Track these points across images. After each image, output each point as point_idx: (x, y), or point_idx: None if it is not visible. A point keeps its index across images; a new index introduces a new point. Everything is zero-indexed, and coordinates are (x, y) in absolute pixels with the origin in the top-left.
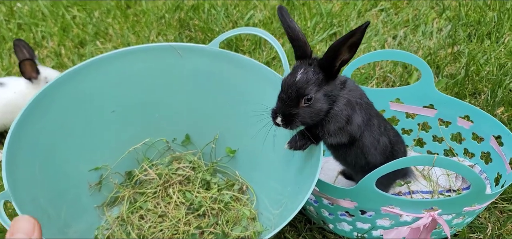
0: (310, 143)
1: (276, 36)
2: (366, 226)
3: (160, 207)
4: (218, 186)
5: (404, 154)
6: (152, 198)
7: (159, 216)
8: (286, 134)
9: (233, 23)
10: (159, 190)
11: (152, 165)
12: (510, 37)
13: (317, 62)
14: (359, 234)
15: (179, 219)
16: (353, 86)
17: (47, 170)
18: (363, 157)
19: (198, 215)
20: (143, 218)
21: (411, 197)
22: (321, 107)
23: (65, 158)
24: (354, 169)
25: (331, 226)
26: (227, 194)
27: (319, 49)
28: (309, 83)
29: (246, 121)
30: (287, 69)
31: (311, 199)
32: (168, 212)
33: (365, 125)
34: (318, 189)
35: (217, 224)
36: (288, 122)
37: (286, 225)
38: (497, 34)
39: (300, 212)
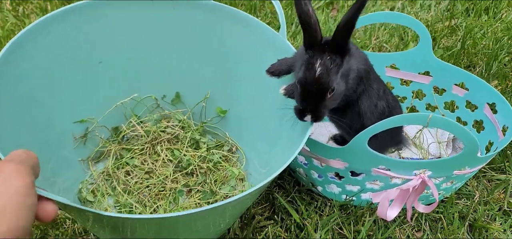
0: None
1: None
2: (356, 188)
3: (147, 164)
4: (208, 146)
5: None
6: (139, 154)
7: (146, 173)
8: (276, 98)
9: None
10: (147, 147)
11: (140, 122)
12: (507, 13)
13: (329, 45)
14: (348, 197)
15: (167, 176)
16: (357, 52)
17: (32, 117)
18: (359, 120)
19: (186, 173)
20: (129, 174)
21: None
22: (341, 90)
23: (50, 106)
24: (349, 133)
25: (320, 188)
26: (217, 153)
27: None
28: (330, 75)
29: (239, 80)
30: (284, 30)
31: (301, 161)
32: (155, 169)
33: (364, 90)
34: (309, 149)
35: (205, 183)
36: (317, 118)
37: (275, 186)
38: (495, 10)
39: (289, 174)
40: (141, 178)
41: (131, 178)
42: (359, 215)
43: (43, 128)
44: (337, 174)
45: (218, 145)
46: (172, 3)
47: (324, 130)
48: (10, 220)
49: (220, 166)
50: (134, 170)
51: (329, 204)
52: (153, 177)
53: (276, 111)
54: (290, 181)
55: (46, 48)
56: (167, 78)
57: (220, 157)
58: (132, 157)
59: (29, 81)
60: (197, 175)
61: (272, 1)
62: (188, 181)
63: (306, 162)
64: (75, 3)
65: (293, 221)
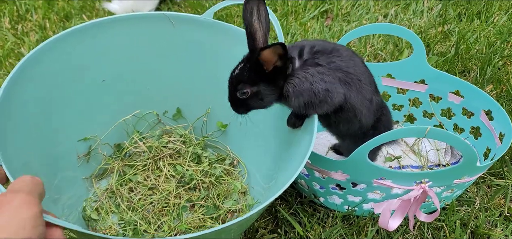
0: (302, 120)
1: None
2: (357, 199)
3: (150, 180)
4: (209, 160)
5: (388, 116)
6: (142, 171)
7: (149, 189)
8: (276, 110)
9: None
10: (149, 163)
11: (142, 138)
12: (499, 17)
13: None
14: (350, 207)
15: (170, 192)
16: (313, 51)
17: (37, 137)
18: (356, 121)
19: (189, 188)
20: (132, 191)
21: None
22: (268, 98)
23: (55, 126)
24: (349, 138)
25: (322, 199)
26: (219, 167)
27: (311, 26)
28: (241, 80)
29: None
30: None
31: (303, 172)
32: (158, 185)
33: (348, 87)
34: (310, 162)
35: (208, 197)
36: (233, 108)
37: (278, 199)
38: (487, 14)
39: (291, 185)
40: (145, 195)
41: (134, 194)
42: (361, 225)
43: (48, 147)
44: (338, 185)
45: (220, 159)
46: (172, 21)
47: (323, 140)
48: None
49: (222, 180)
50: (137, 186)
51: (331, 215)
52: (156, 193)
53: (275, 125)
54: (292, 193)
55: (50, 69)
56: (168, 94)
57: (221, 171)
58: (135, 174)
59: (35, 103)
60: (199, 190)
61: (272, 21)
62: (191, 196)
63: (307, 173)
64: (77, 26)
65: (296, 234)
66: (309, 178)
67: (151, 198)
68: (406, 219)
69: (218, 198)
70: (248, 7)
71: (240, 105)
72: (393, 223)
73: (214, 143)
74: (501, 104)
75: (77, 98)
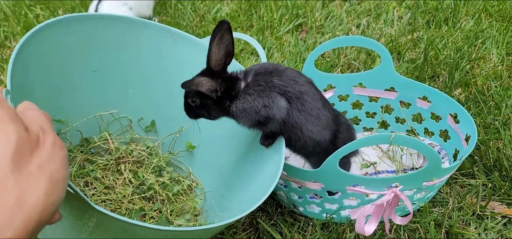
0: (272, 140)
1: (244, 28)
2: (334, 206)
3: (108, 179)
4: (170, 176)
5: (348, 125)
6: (102, 169)
7: (106, 188)
8: (247, 141)
9: (200, 17)
10: (111, 164)
11: (112, 138)
12: (466, 22)
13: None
14: (328, 215)
15: (124, 196)
16: (256, 73)
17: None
18: (306, 137)
19: (144, 197)
20: (88, 186)
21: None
22: (211, 114)
23: (33, 97)
24: (312, 156)
25: (301, 209)
26: (183, 182)
27: (286, 40)
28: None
29: (217, 124)
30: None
31: (281, 184)
32: (115, 186)
33: (292, 109)
34: (285, 173)
35: (160, 212)
36: (185, 111)
37: (258, 210)
38: (454, 20)
39: (271, 197)
40: (100, 192)
41: (89, 189)
42: (340, 232)
43: None
44: (316, 194)
45: (181, 178)
46: (174, 36)
47: None
48: (61, 191)
49: (178, 198)
50: (93, 182)
51: (311, 223)
52: (111, 193)
53: (245, 162)
54: (272, 204)
55: (47, 48)
56: (148, 104)
57: (178, 191)
58: (93, 170)
59: (32, 70)
60: (153, 202)
61: (258, 50)
62: (145, 206)
63: (285, 184)
64: (86, 13)
65: None
66: (287, 189)
67: (105, 196)
68: (383, 223)
69: (171, 215)
70: (214, 33)
71: (191, 110)
72: (369, 228)
73: (177, 163)
74: (469, 107)
75: (64, 79)
